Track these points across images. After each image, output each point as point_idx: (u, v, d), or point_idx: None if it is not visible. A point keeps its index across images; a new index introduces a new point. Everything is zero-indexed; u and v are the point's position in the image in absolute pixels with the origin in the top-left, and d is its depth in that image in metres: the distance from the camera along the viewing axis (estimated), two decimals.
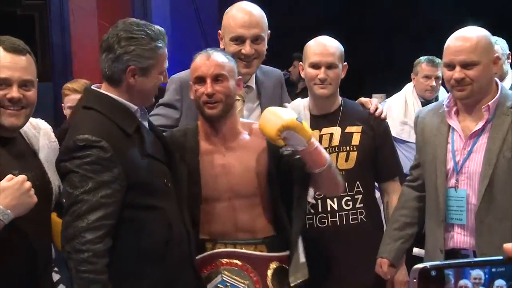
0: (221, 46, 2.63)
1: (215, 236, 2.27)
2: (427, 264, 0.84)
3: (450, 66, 2.33)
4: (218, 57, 2.28)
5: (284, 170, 2.29)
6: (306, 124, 2.20)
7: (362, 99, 2.75)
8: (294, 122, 2.13)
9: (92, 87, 2.15)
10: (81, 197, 1.95)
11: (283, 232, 2.29)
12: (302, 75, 2.70)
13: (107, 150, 1.97)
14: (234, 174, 2.28)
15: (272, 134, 2.14)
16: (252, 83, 2.70)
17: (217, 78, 2.25)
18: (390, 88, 4.60)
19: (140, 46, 2.07)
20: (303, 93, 4.89)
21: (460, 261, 0.86)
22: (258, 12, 2.62)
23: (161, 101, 2.68)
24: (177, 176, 2.17)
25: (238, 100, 2.56)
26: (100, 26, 5.77)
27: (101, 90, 2.12)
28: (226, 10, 2.66)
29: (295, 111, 2.54)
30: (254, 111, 2.68)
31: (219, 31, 2.66)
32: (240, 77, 2.36)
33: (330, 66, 2.60)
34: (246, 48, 2.57)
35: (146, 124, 2.17)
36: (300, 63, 2.70)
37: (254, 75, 2.70)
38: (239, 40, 2.58)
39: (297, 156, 2.27)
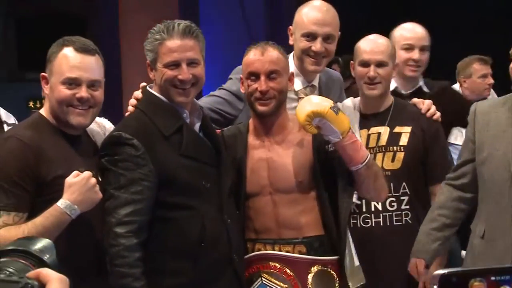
0: (291, 42, 2.68)
1: (259, 232, 2.27)
2: (446, 271, 0.83)
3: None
4: (272, 52, 2.27)
5: (329, 167, 2.28)
6: (344, 115, 2.18)
7: (415, 99, 2.75)
8: (325, 110, 2.12)
9: (148, 86, 2.21)
10: (113, 193, 2.00)
11: (330, 232, 2.27)
12: (353, 74, 2.72)
13: (138, 148, 2.01)
14: (275, 169, 2.28)
15: (301, 120, 2.15)
16: (316, 82, 2.74)
17: (271, 75, 2.25)
18: None
19: (147, 40, 2.14)
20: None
21: (482, 268, 0.84)
22: (332, 11, 2.66)
23: (225, 86, 2.68)
24: (224, 176, 2.17)
25: (302, 98, 2.57)
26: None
27: (150, 90, 2.18)
28: (299, 7, 2.70)
29: (346, 111, 2.57)
30: None
31: (290, 26, 2.70)
32: (292, 71, 2.39)
33: (380, 64, 2.61)
34: (317, 45, 2.60)
35: (197, 124, 2.20)
36: (351, 62, 2.72)
37: (318, 74, 2.74)
38: (310, 36, 2.61)
39: None
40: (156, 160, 2.03)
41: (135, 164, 2.01)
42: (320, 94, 2.69)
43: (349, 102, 2.75)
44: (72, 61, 2.06)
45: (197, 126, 2.20)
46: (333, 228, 2.25)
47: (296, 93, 2.68)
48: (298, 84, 2.69)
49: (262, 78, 2.24)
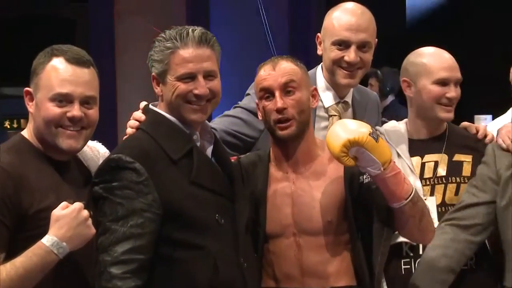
0: (319, 52, 2.73)
1: (279, 281, 2.29)
2: None
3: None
4: (285, 64, 2.33)
5: (364, 203, 2.31)
6: (385, 143, 2.21)
7: (466, 123, 2.81)
8: (365, 137, 2.13)
9: (151, 105, 2.25)
10: (109, 226, 2.01)
11: (363, 282, 2.29)
12: (409, 93, 2.74)
13: (140, 173, 2.03)
14: (300, 206, 2.31)
15: (336, 151, 2.16)
16: (350, 99, 2.77)
17: (287, 89, 2.29)
18: (496, 107, 4.55)
19: (154, 49, 2.17)
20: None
21: None
22: (367, 14, 2.70)
23: (242, 104, 2.74)
24: (239, 211, 2.21)
25: (334, 116, 2.64)
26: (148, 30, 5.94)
27: (155, 108, 2.22)
28: (329, 11, 2.74)
29: (391, 135, 2.67)
30: None
31: (318, 33, 2.74)
32: (314, 87, 2.42)
33: (458, 83, 2.68)
34: (351, 55, 2.63)
35: (209, 148, 2.25)
36: (404, 79, 2.74)
37: (352, 90, 2.77)
38: (343, 45, 2.65)
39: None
40: (161, 188, 2.05)
41: (137, 192, 2.03)
42: (353, 113, 2.75)
43: (393, 124, 2.80)
44: (63, 74, 2.10)
45: (208, 151, 2.24)
46: (367, 278, 2.28)
47: (327, 110, 2.73)
48: (328, 99, 2.74)
49: (277, 93, 2.28)
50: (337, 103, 2.74)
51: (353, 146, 2.14)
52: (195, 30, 2.15)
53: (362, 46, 2.64)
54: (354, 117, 2.73)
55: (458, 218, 2.56)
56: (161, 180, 2.05)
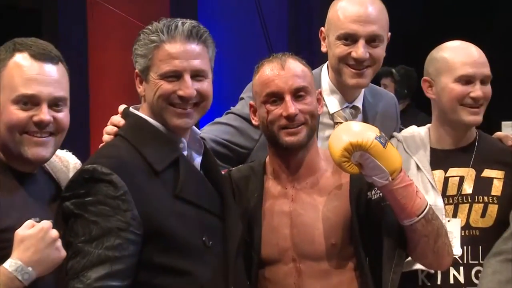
0: (323, 49, 2.75)
1: None
2: None
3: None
4: (295, 64, 2.34)
5: (373, 223, 2.31)
6: (394, 149, 2.21)
7: (500, 133, 2.81)
8: (370, 141, 2.14)
9: (131, 108, 2.26)
10: (81, 248, 2.00)
11: None
12: (430, 94, 2.74)
13: (118, 186, 2.03)
14: (301, 227, 2.32)
15: (337, 155, 2.17)
16: (360, 103, 2.77)
17: (299, 94, 2.31)
18: None
19: (138, 42, 2.18)
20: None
21: None
22: (378, 4, 2.70)
23: (234, 110, 2.75)
24: (230, 231, 2.21)
25: (341, 123, 2.61)
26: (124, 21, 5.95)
27: (137, 112, 2.22)
28: (334, 1, 2.76)
29: (410, 143, 2.67)
30: None
31: (322, 28, 2.75)
32: (319, 90, 2.42)
33: (485, 80, 2.66)
34: (359, 50, 2.64)
35: (198, 158, 2.25)
36: (425, 78, 2.74)
37: (363, 93, 2.77)
38: (349, 39, 2.65)
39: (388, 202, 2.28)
40: (142, 204, 2.05)
41: (113, 208, 2.02)
42: (365, 119, 2.75)
43: (413, 132, 2.79)
44: (28, 72, 2.09)
45: (197, 162, 2.25)
46: None
47: (332, 116, 2.74)
48: (334, 104, 2.75)
49: (288, 98, 2.30)
50: (344, 108, 2.75)
51: (356, 150, 2.15)
52: (185, 23, 2.16)
53: (371, 40, 2.65)
54: (365, 122, 2.73)
55: (506, 251, 2.50)
56: (141, 194, 2.05)
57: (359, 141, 2.15)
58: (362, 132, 2.18)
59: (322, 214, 2.32)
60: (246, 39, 6.28)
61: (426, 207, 2.24)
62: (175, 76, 2.15)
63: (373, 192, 2.32)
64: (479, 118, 2.67)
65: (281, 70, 2.31)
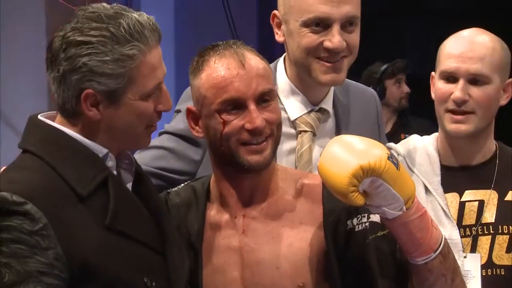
0: (279, 38, 2.58)
1: None
2: None
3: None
4: (255, 60, 2.17)
5: (357, 258, 2.16)
6: (405, 171, 2.08)
7: None
8: (383, 162, 1.98)
9: (40, 116, 2.12)
10: None
11: None
12: (433, 94, 2.65)
13: (35, 218, 1.93)
14: (255, 266, 2.18)
15: (343, 184, 1.99)
16: (329, 105, 2.62)
17: (264, 98, 2.14)
18: None
19: (96, 56, 2.03)
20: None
21: None
22: None
23: (168, 127, 2.64)
24: (175, 270, 2.12)
25: (305, 132, 2.53)
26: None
27: (51, 123, 2.10)
28: None
29: (417, 161, 2.56)
30: None
31: (275, 11, 2.58)
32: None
33: (474, 80, 2.51)
34: (335, 39, 2.46)
35: (129, 178, 2.16)
36: (433, 73, 2.63)
37: (332, 91, 2.63)
38: (321, 25, 2.46)
39: (381, 233, 2.14)
40: (67, 239, 1.94)
41: (31, 246, 1.90)
42: (337, 122, 2.63)
43: (417, 143, 2.67)
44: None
45: (128, 184, 2.15)
46: None
47: (293, 124, 2.59)
48: (295, 108, 2.59)
49: (253, 107, 2.12)
50: (309, 113, 2.59)
51: (367, 176, 1.97)
52: (143, 15, 2.04)
53: (349, 24, 2.49)
54: (338, 126, 2.62)
55: None
56: (65, 227, 1.95)
57: (371, 164, 1.96)
58: (370, 151, 2.00)
59: (284, 249, 2.16)
60: (192, 31, 5.99)
61: (442, 239, 2.11)
62: (158, 89, 2.09)
63: (355, 222, 2.14)
64: (463, 128, 2.50)
65: (240, 69, 2.12)
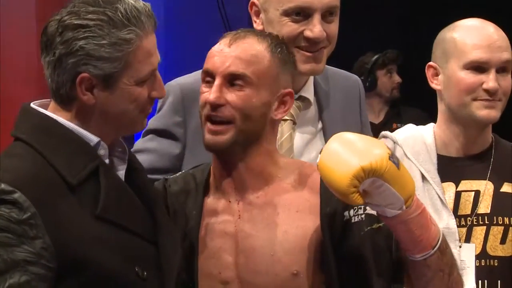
0: (258, 27, 2.56)
1: None
2: None
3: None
4: (247, 45, 2.18)
5: (352, 249, 2.16)
6: (405, 168, 2.07)
7: None
8: (384, 163, 1.97)
9: (33, 104, 2.10)
10: None
11: None
12: (436, 85, 2.62)
13: (23, 207, 1.92)
14: (248, 251, 2.19)
15: (344, 184, 1.97)
16: (309, 92, 2.61)
17: (234, 81, 2.15)
18: None
19: (93, 39, 2.02)
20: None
21: None
22: None
23: (149, 125, 2.63)
24: (167, 259, 2.11)
25: (285, 121, 2.51)
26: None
27: (43, 111, 2.09)
28: None
29: (413, 149, 2.58)
30: (312, 140, 2.59)
31: (253, 0, 2.57)
32: (290, 90, 2.25)
33: (502, 69, 2.56)
34: (315, 28, 2.44)
35: (122, 166, 2.15)
36: (430, 63, 2.63)
37: (312, 78, 2.62)
38: (302, 14, 2.46)
39: (377, 225, 2.14)
40: (55, 228, 1.93)
41: (18, 235, 1.90)
42: (319, 110, 2.62)
43: (414, 132, 2.68)
44: None
45: (120, 173, 2.15)
46: None
47: None
48: None
49: (217, 81, 2.16)
50: None
51: (368, 176, 1.96)
52: (139, 2, 2.04)
53: (328, 14, 2.48)
54: (320, 114, 2.61)
55: None
56: (54, 216, 1.93)
57: (373, 165, 1.95)
58: (371, 150, 1.99)
59: (279, 235, 2.16)
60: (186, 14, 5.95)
61: (440, 235, 2.11)
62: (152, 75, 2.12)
63: (351, 213, 2.14)
64: (494, 113, 2.54)
65: (226, 47, 2.17)
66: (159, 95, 2.12)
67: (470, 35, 2.57)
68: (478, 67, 2.52)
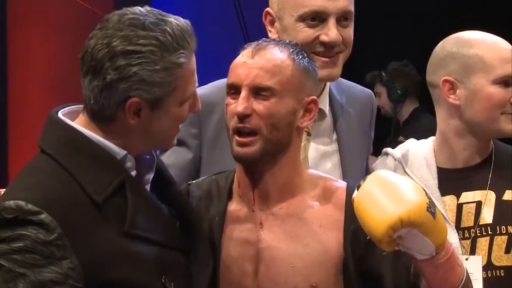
0: (273, 36, 2.55)
1: None
2: None
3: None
4: (270, 55, 2.17)
5: (372, 272, 2.17)
6: (442, 218, 2.06)
7: None
8: (423, 215, 1.96)
9: (61, 114, 2.09)
10: None
11: None
12: (454, 100, 2.56)
13: (50, 228, 1.91)
14: (270, 262, 2.18)
15: (379, 233, 1.98)
16: (324, 104, 2.60)
17: (260, 92, 2.15)
18: None
19: (147, 65, 2.01)
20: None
21: None
22: None
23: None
24: (197, 268, 2.11)
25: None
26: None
27: (71, 123, 2.07)
28: None
29: (414, 164, 2.57)
30: (327, 151, 2.59)
31: (267, 9, 2.56)
32: (314, 97, 2.23)
33: None
34: (331, 32, 2.45)
35: (149, 175, 2.14)
36: (447, 78, 2.55)
37: (327, 89, 2.61)
38: (317, 19, 2.46)
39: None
40: (83, 248, 1.93)
41: (46, 256, 1.89)
42: (334, 122, 2.61)
43: (413, 147, 2.65)
44: None
45: (147, 179, 2.14)
46: None
47: None
48: None
49: (243, 93, 2.15)
50: None
51: (405, 227, 1.97)
52: (179, 19, 2.03)
53: (343, 19, 2.48)
54: (334, 126, 2.59)
55: None
56: (81, 235, 1.93)
57: (411, 218, 1.95)
58: (411, 200, 1.97)
59: (300, 248, 2.16)
60: (209, 24, 5.99)
61: (464, 273, 2.12)
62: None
63: None
64: None
65: (249, 58, 2.17)
66: (196, 111, 2.13)
67: (495, 50, 2.55)
68: (506, 82, 2.51)
